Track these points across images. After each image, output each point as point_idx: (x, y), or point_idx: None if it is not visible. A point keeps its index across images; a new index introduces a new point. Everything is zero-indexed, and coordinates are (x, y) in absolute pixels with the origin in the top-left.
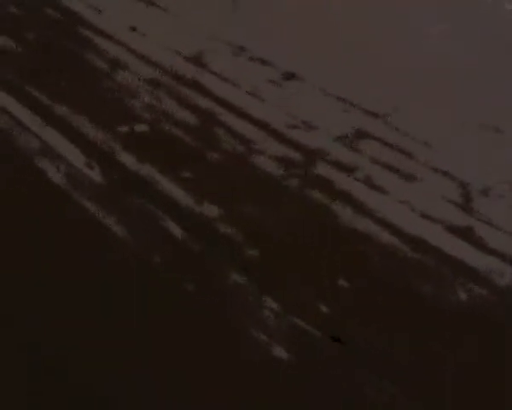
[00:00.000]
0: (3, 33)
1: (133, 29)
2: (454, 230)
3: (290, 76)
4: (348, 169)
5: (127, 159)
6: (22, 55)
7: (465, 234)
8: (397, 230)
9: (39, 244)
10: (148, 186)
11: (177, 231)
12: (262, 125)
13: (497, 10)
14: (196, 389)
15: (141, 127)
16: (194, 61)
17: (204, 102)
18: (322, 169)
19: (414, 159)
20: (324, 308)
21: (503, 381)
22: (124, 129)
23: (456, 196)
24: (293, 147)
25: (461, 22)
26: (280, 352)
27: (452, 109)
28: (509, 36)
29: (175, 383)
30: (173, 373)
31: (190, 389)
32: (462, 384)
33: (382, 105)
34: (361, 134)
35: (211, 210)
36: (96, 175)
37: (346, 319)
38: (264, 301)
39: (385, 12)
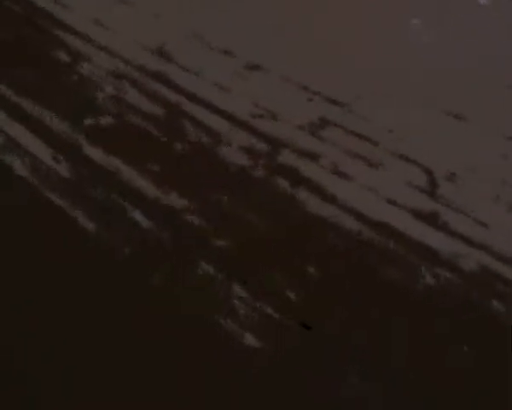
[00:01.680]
0: None
1: (96, 22)
2: (419, 215)
3: (254, 66)
4: (313, 157)
5: (93, 152)
6: None
7: (430, 219)
8: (362, 216)
9: (5, 238)
10: (114, 179)
11: (144, 222)
12: (227, 116)
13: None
14: (166, 380)
15: (106, 120)
16: (157, 52)
17: (169, 94)
18: (287, 157)
19: (378, 146)
20: (293, 296)
21: (471, 363)
22: (89, 122)
23: (422, 182)
24: (259, 136)
25: (433, 15)
26: (250, 340)
27: (416, 96)
28: (481, 28)
29: (143, 375)
30: (142, 364)
31: (160, 380)
32: (429, 368)
33: (346, 93)
34: (325, 122)
35: (178, 201)
36: (62, 169)
37: (315, 306)
38: (233, 290)
39: (349, 4)
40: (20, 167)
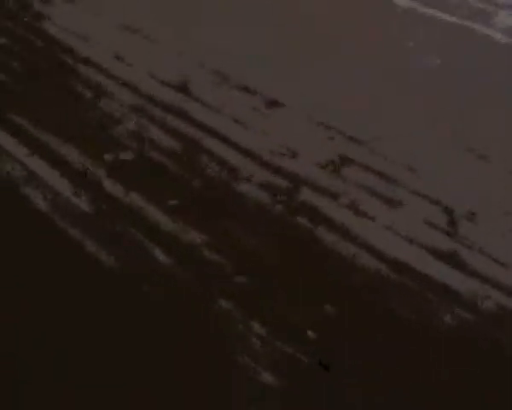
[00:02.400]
0: None
1: (118, 57)
2: (438, 254)
3: (273, 103)
4: (332, 195)
5: (113, 187)
6: (7, 82)
7: (449, 258)
8: (381, 254)
9: (26, 272)
10: (134, 214)
11: (164, 259)
12: (246, 153)
13: (487, 40)
14: None
15: (126, 155)
16: (178, 88)
17: (189, 130)
18: (306, 195)
19: (398, 184)
20: (311, 334)
21: (488, 403)
22: (109, 157)
23: (441, 221)
24: (278, 174)
25: (449, 52)
26: (267, 378)
27: (437, 135)
28: (498, 64)
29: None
30: (162, 400)
31: None
32: (449, 406)
33: (366, 131)
34: (345, 160)
35: (197, 237)
36: (83, 204)
37: (333, 345)
38: (251, 327)
39: (371, 38)
40: (40, 202)
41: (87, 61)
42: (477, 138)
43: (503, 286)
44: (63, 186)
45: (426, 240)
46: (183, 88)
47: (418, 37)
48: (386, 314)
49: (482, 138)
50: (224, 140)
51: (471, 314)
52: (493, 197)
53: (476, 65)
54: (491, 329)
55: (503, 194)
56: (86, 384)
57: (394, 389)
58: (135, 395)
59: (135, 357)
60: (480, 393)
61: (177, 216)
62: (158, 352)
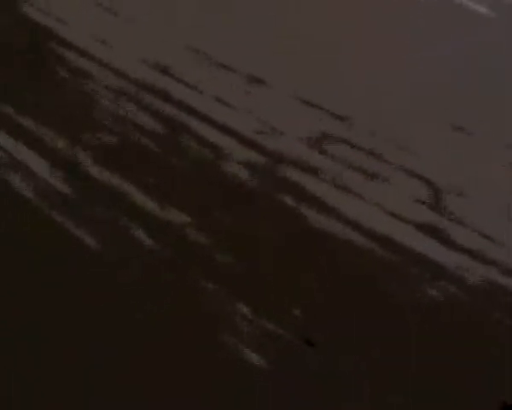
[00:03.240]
0: None
1: (98, 39)
2: (422, 228)
3: (255, 80)
4: (316, 171)
5: (94, 169)
6: None
7: (433, 232)
8: (366, 230)
9: (8, 256)
10: (116, 196)
11: (147, 240)
12: (228, 131)
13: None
14: (167, 395)
15: (105, 136)
16: (158, 68)
17: (169, 110)
18: (289, 173)
19: (381, 159)
20: (297, 312)
21: (468, 377)
22: (90, 139)
23: (425, 195)
24: (261, 151)
25: (438, 28)
26: (253, 357)
27: (420, 109)
28: (481, 36)
29: (144, 392)
30: (143, 381)
31: (161, 396)
32: (431, 381)
33: (349, 107)
34: (327, 136)
35: (180, 217)
36: (63, 186)
37: (319, 322)
38: (236, 306)
39: (351, 15)
40: (19, 185)
41: (68, 44)
42: (463, 114)
43: (488, 260)
44: (44, 170)
45: (411, 215)
46: (163, 68)
47: (403, 11)
48: (372, 290)
49: (468, 114)
50: (207, 120)
51: (457, 288)
52: (479, 173)
53: (463, 40)
54: (476, 303)
55: (488, 169)
56: (71, 368)
57: (381, 364)
58: (120, 377)
59: (118, 339)
60: (465, 367)
61: (159, 197)
62: (142, 334)
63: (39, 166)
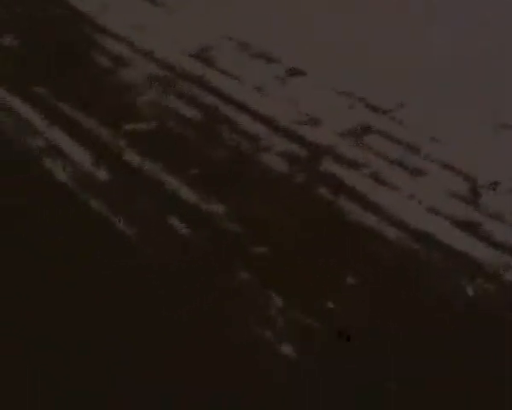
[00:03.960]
0: (9, 32)
1: (138, 27)
2: (461, 224)
3: (295, 72)
4: (354, 165)
5: (133, 157)
6: (27, 53)
7: (472, 229)
8: (404, 225)
9: (46, 244)
10: (154, 184)
11: (183, 228)
12: (267, 121)
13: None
14: (201, 388)
15: (146, 125)
16: (198, 57)
17: (209, 99)
18: (328, 165)
19: (420, 154)
20: (331, 304)
21: (505, 374)
22: (129, 127)
23: (464, 191)
24: (299, 143)
25: (460, 21)
26: (286, 349)
27: (459, 104)
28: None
29: (176, 384)
30: (175, 373)
31: (196, 388)
32: (468, 380)
33: (388, 100)
34: (367, 129)
35: (217, 207)
36: (102, 174)
37: (353, 316)
38: (270, 298)
39: (385, 10)
40: (59, 172)
41: (107, 32)
42: (502, 107)
43: None
44: (83, 157)
45: (448, 210)
46: (203, 57)
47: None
48: (409, 285)
49: (507, 108)
50: (245, 109)
51: (493, 284)
52: None
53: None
54: None
55: None
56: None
57: (415, 359)
58: (147, 366)
59: (151, 326)
60: (502, 362)
61: (196, 186)
62: (175, 322)
63: (78, 153)
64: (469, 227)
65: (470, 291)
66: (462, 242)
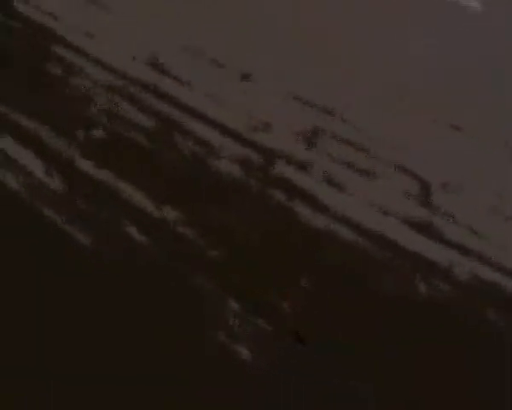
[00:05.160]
0: None
1: (87, 34)
2: (413, 224)
3: (245, 76)
4: (307, 168)
5: (86, 165)
6: None
7: (424, 228)
8: (356, 226)
9: (3, 255)
10: (107, 192)
11: (138, 236)
12: (220, 127)
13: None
14: (158, 392)
15: (98, 133)
16: (149, 64)
17: (161, 106)
18: (281, 168)
19: (372, 155)
20: (286, 308)
21: (458, 373)
22: (81, 135)
23: (415, 191)
24: (252, 147)
25: (429, 24)
26: (243, 353)
27: (411, 105)
28: (471, 34)
29: (136, 387)
30: (139, 378)
31: (152, 392)
32: (423, 377)
33: (338, 102)
34: (318, 132)
35: (171, 213)
36: (55, 183)
37: (309, 319)
38: (226, 303)
39: (343, 10)
40: (12, 181)
41: (60, 41)
42: (452, 109)
43: (477, 255)
44: (35, 166)
45: (401, 211)
46: (154, 64)
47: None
48: (362, 285)
49: (456, 109)
50: (197, 115)
51: (446, 284)
52: (467, 168)
53: (452, 34)
54: (465, 298)
55: (477, 165)
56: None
57: (371, 361)
58: (113, 373)
59: (108, 334)
60: (455, 360)
61: (152, 194)
62: (133, 329)
63: (31, 161)
64: (421, 227)
65: (423, 289)
66: (413, 241)
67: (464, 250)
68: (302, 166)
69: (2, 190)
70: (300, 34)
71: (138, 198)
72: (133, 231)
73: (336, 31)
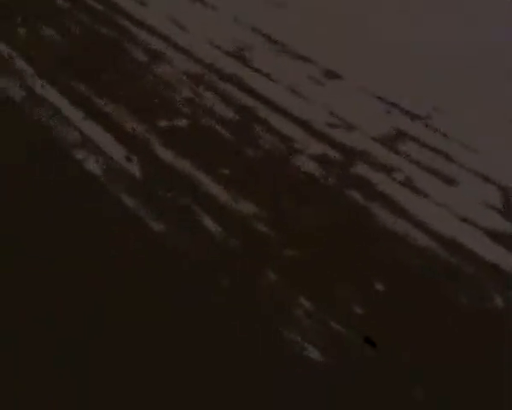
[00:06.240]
0: (49, 25)
1: (175, 23)
2: (493, 235)
3: (331, 74)
4: (387, 170)
5: (166, 154)
6: (64, 46)
7: (504, 239)
8: (435, 233)
9: (76, 235)
10: (185, 182)
11: (213, 227)
12: (302, 123)
13: None
14: (226, 389)
15: (180, 122)
16: (235, 56)
17: (244, 99)
18: (361, 169)
19: (454, 161)
20: (359, 310)
21: None
22: (163, 123)
23: (496, 201)
24: (333, 146)
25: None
26: (313, 353)
27: (494, 112)
28: None
29: (204, 381)
30: (204, 369)
31: (222, 388)
32: (498, 391)
33: (423, 106)
34: (401, 135)
35: (248, 208)
36: (134, 169)
37: (381, 322)
38: (298, 301)
39: (424, 15)
40: (92, 165)
41: (144, 26)
42: None
43: None
44: (116, 151)
45: (480, 220)
46: (239, 56)
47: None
48: (437, 294)
49: None
50: (280, 110)
51: None
52: None
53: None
54: None
55: None
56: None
57: (442, 367)
58: (174, 365)
59: (178, 322)
60: None
61: (228, 185)
62: (203, 320)
63: (112, 147)
64: (500, 238)
65: (500, 303)
66: (492, 252)
67: None
68: (383, 169)
69: (81, 172)
70: (388, 36)
71: (215, 190)
72: (208, 221)
73: (428, 31)
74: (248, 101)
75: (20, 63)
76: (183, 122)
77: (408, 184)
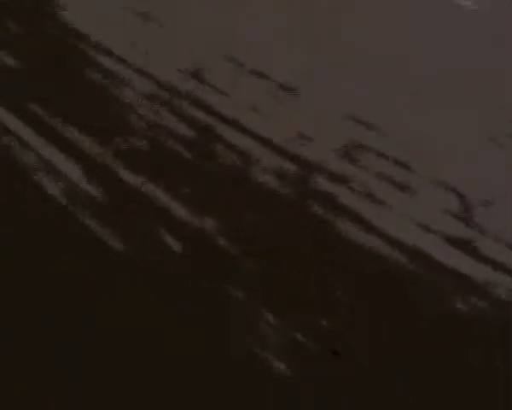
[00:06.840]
0: (4, 50)
1: (132, 44)
2: (453, 241)
3: (287, 88)
4: (345, 181)
5: (126, 174)
6: (22, 72)
7: (464, 245)
8: (395, 241)
9: (38, 258)
10: (146, 201)
11: (176, 245)
12: (260, 139)
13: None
14: (193, 406)
15: (140, 142)
16: (192, 75)
17: (202, 117)
18: (319, 181)
19: (411, 170)
20: (324, 322)
21: (497, 391)
22: (123, 144)
23: (455, 208)
24: (291, 159)
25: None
26: (280, 367)
27: (451, 120)
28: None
29: (171, 400)
30: (170, 389)
31: (188, 405)
32: (461, 394)
33: (379, 116)
34: (358, 146)
35: (210, 224)
36: (95, 191)
37: (346, 333)
38: (263, 315)
39: (384, 21)
40: (54, 189)
41: (101, 48)
42: (492, 124)
43: None
44: (77, 175)
45: (440, 227)
46: (196, 75)
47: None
48: (400, 302)
49: (498, 125)
50: (238, 127)
51: (485, 301)
52: (508, 184)
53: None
54: (503, 315)
55: None
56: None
57: (406, 375)
58: (138, 384)
59: (141, 343)
60: (492, 375)
61: (189, 203)
62: (166, 337)
63: (70, 168)
64: (460, 244)
65: (461, 306)
66: (453, 258)
67: (502, 267)
68: (340, 180)
69: (42, 196)
70: (343, 49)
71: (175, 207)
72: (170, 240)
73: (382, 40)
74: (206, 119)
75: None
76: (142, 142)
77: (366, 193)
